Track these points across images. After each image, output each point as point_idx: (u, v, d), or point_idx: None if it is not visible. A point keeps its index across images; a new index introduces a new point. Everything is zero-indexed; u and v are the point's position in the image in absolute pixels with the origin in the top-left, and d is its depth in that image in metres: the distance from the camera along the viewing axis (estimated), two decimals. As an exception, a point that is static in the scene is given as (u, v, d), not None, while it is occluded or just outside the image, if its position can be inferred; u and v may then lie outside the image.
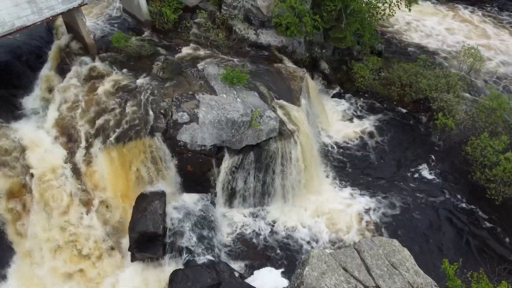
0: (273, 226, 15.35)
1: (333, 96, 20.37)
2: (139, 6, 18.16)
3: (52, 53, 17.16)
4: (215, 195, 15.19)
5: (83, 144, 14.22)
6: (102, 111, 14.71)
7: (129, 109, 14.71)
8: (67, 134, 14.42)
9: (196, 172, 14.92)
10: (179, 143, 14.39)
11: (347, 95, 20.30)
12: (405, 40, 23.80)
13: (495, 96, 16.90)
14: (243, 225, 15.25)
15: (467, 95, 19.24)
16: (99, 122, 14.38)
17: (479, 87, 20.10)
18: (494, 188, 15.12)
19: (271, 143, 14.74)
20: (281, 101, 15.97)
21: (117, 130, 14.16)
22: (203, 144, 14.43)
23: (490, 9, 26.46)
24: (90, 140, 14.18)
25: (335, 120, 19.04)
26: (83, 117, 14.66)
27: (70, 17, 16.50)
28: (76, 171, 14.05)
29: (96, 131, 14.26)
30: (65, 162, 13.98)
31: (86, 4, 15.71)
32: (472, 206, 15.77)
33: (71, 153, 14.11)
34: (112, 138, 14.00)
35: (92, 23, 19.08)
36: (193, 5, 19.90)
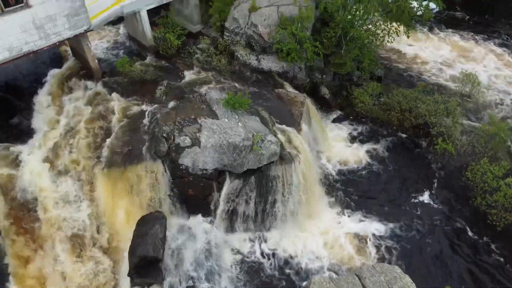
0: (274, 251, 15.23)
1: (334, 121, 20.52)
2: (144, 32, 18.61)
3: (56, 77, 17.51)
4: (216, 220, 15.15)
5: (83, 167, 14.30)
6: (104, 134, 14.88)
7: (131, 133, 14.90)
8: (64, 157, 14.54)
9: (197, 196, 14.95)
10: (181, 167, 14.48)
11: (347, 120, 20.44)
12: (404, 66, 24.18)
13: (494, 122, 17.06)
14: (244, 251, 15.13)
15: (466, 120, 19.43)
16: (101, 145, 14.52)
17: (478, 113, 20.29)
18: (495, 214, 15.08)
19: (272, 168, 14.81)
20: (282, 126, 16.13)
21: (119, 154, 14.28)
22: (205, 168, 14.51)
23: (488, 36, 26.97)
24: (91, 163, 14.27)
25: (336, 144, 19.13)
26: (84, 140, 14.80)
27: (76, 42, 16.91)
28: (75, 196, 14.08)
29: (97, 155, 14.37)
30: (60, 186, 14.05)
31: (92, 30, 16.11)
32: (474, 232, 15.67)
33: (70, 177, 14.18)
34: (113, 162, 14.09)
35: (98, 47, 19.53)
36: (196, 31, 20.43)
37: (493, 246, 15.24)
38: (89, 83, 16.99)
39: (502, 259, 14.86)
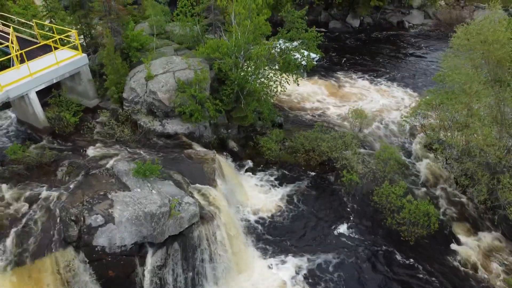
0: (210, 316, 14.61)
1: (246, 171, 21.07)
2: (35, 114, 17.63)
3: None
4: (144, 297, 14.17)
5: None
6: (2, 230, 13.33)
7: (33, 223, 13.59)
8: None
9: (119, 276, 13.88)
10: (96, 248, 13.47)
11: (259, 168, 21.15)
12: (298, 110, 26.16)
13: (386, 148, 19.06)
14: (179, 323, 14.26)
15: (363, 150, 21.43)
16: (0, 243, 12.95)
17: (371, 142, 22.53)
18: (406, 230, 16.51)
19: (194, 229, 14.53)
20: (197, 185, 16.12)
21: (20, 250, 12.82)
22: (123, 244, 13.68)
23: (363, 74, 30.74)
24: (-9, 266, 12.58)
25: (253, 194, 19.53)
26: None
27: (-44, 136, 15.36)
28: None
29: (-3, 255, 12.76)
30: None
31: (-27, 120, 14.84)
32: (391, 252, 16.84)
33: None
34: (13, 260, 12.58)
35: (-17, 137, 17.94)
36: (94, 106, 19.94)
37: (409, 260, 16.47)
38: (-22, 177, 15.35)
39: (420, 268, 16.08)
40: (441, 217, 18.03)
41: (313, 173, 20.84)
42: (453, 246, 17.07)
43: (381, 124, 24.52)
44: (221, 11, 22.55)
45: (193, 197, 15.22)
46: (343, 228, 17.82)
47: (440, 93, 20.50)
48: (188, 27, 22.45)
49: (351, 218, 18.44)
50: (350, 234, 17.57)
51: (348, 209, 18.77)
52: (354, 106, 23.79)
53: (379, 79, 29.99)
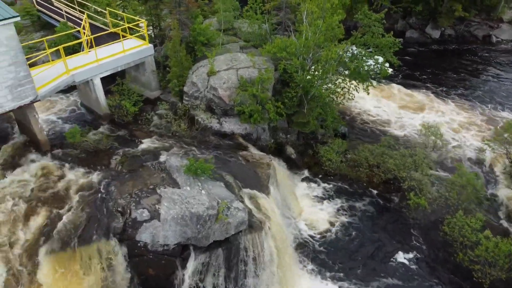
0: (248, 333, 13.52)
1: (302, 180, 19.80)
2: (98, 100, 17.68)
3: (1, 153, 15.91)
4: (181, 303, 13.41)
5: (25, 251, 12.42)
6: (50, 213, 13.22)
7: (81, 209, 13.35)
8: (6, 240, 12.65)
9: (159, 276, 13.27)
10: (139, 244, 12.93)
11: (316, 179, 19.78)
12: (365, 120, 24.33)
13: (463, 173, 16.83)
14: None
15: (434, 171, 19.23)
16: (46, 225, 12.82)
17: (445, 164, 20.24)
18: (480, 270, 14.29)
19: (241, 237, 13.54)
20: (249, 190, 15.13)
21: (67, 235, 12.58)
22: (166, 244, 13.03)
23: (438, 87, 28.08)
24: (35, 247, 12.44)
25: (306, 206, 18.23)
26: (27, 221, 13.04)
27: (22, 114, 15.66)
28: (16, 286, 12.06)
29: (42, 236, 12.60)
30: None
31: (39, 100, 15.00)
32: (461, 292, 14.74)
33: (10, 263, 12.24)
34: (60, 244, 12.36)
35: (48, 117, 18.30)
36: (155, 97, 19.73)
37: (482, 306, 14.26)
38: (37, 157, 15.49)
39: (494, 320, 13.85)
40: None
41: (375, 191, 19.06)
42: (538, 296, 14.56)
43: (457, 144, 21.99)
44: (292, 10, 21.47)
45: (243, 202, 14.24)
46: (405, 257, 15.93)
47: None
48: (256, 24, 21.63)
49: (415, 247, 16.47)
50: (413, 265, 15.64)
51: (412, 237, 16.80)
52: (427, 122, 21.55)
53: (457, 96, 27.18)
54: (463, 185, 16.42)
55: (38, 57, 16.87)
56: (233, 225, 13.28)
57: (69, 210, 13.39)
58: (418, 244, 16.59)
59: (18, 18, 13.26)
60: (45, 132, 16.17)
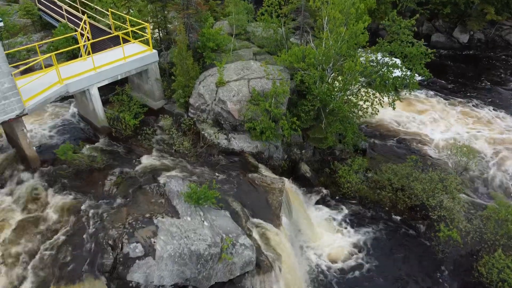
0: None
1: (317, 202, 17.93)
2: (95, 111, 16.10)
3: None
4: None
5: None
6: (31, 245, 11.70)
7: (67, 241, 11.80)
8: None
9: (152, 321, 11.64)
10: (131, 284, 11.30)
11: (333, 202, 17.92)
12: (388, 134, 22.33)
13: (502, 204, 14.78)
14: None
15: (464, 195, 17.19)
16: (23, 262, 11.28)
17: (478, 188, 18.16)
18: (524, 323, 12.33)
19: (246, 279, 11.83)
20: (258, 220, 13.41)
21: (48, 272, 11.03)
22: (161, 285, 11.38)
23: (463, 97, 25.84)
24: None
25: (323, 233, 16.38)
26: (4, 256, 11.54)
27: (9, 128, 14.19)
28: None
29: (19, 274, 11.08)
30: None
31: (27, 114, 13.46)
32: None
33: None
34: (36, 285, 10.82)
35: (40, 129, 16.82)
36: (158, 108, 18.10)
37: None
38: (24, 175, 14.02)
39: None
40: None
41: (398, 218, 17.12)
42: None
43: (494, 167, 19.80)
44: (311, 14, 19.52)
45: (250, 236, 12.52)
46: (432, 299, 14.02)
47: None
48: (272, 28, 19.77)
49: (443, 285, 14.52)
50: (442, 310, 13.74)
51: (442, 275, 14.83)
52: (458, 141, 19.44)
53: (489, 109, 24.94)
54: (502, 219, 14.38)
55: (29, 64, 15.34)
56: (238, 265, 11.59)
57: (52, 241, 11.84)
58: (448, 282, 14.64)
59: (1, 24, 11.71)
60: (34, 148, 14.65)
